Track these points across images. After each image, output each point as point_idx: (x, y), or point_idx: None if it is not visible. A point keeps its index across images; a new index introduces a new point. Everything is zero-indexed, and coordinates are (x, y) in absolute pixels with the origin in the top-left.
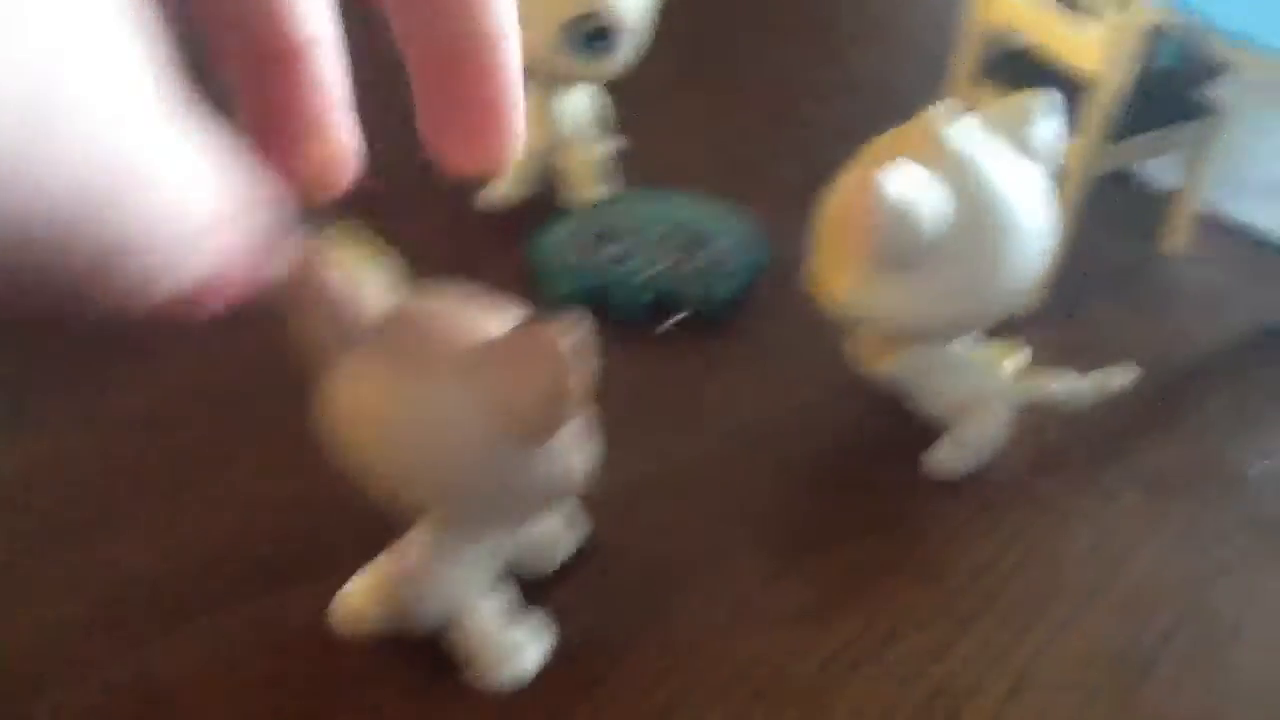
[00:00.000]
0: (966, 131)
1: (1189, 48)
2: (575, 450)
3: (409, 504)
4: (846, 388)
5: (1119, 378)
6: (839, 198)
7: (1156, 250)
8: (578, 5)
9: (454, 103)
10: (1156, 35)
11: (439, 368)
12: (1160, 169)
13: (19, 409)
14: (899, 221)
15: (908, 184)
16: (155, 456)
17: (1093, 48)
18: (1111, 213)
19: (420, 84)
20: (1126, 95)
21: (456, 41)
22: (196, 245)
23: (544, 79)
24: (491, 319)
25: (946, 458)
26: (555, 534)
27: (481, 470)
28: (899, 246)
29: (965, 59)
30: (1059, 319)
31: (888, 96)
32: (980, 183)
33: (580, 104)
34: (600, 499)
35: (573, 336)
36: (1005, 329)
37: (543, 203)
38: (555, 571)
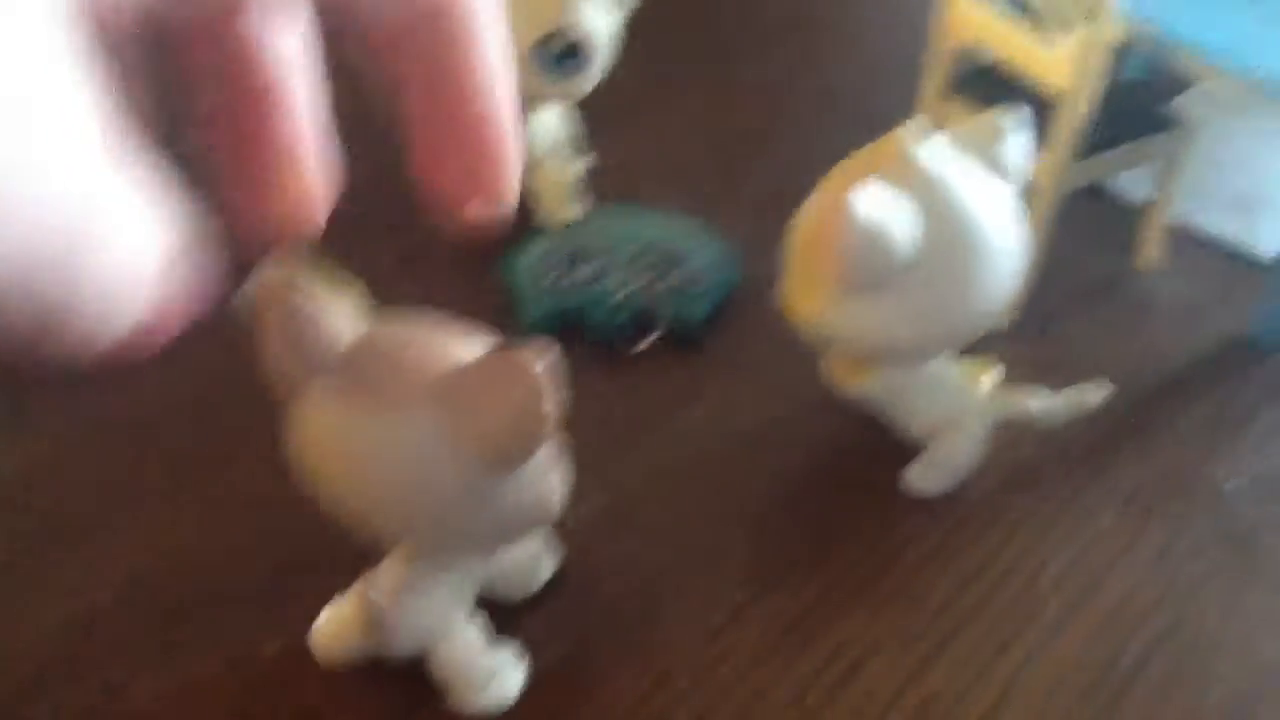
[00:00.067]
0: (937, 151)
1: (1156, 61)
2: (548, 476)
3: (380, 535)
4: (820, 405)
5: (1093, 394)
6: (810, 219)
7: (1129, 264)
8: (546, 24)
9: (452, 145)
10: (1123, 50)
11: (409, 396)
12: (1133, 182)
13: (19, 409)
14: (870, 243)
15: (878, 206)
16: (154, 458)
17: (1061, 63)
18: (1085, 228)
19: (417, 128)
20: (1095, 110)
21: (454, 86)
22: (143, 295)
23: None
24: (462, 345)
25: (922, 477)
26: (531, 559)
27: (453, 500)
28: (870, 268)
29: (934, 75)
30: (1032, 335)
31: (863, 111)
32: (951, 203)
33: (551, 124)
34: (573, 523)
35: (544, 362)
36: (978, 346)
37: (514, 223)
38: (528, 598)
